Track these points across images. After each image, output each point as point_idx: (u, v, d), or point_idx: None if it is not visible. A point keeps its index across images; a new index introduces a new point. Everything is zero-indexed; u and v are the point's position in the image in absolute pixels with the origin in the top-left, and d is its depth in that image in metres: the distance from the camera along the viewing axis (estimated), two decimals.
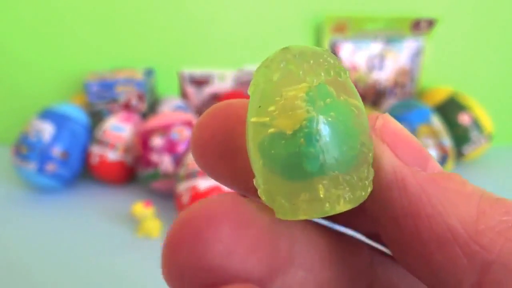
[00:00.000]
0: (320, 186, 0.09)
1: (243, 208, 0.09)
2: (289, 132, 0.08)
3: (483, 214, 0.09)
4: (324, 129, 0.08)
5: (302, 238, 0.11)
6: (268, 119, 0.09)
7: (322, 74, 0.09)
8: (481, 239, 0.08)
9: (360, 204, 0.09)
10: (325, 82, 0.09)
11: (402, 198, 0.09)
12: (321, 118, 0.08)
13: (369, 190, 0.09)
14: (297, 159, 0.08)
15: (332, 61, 0.09)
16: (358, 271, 0.12)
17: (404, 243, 0.09)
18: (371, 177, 0.09)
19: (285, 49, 0.09)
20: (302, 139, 0.08)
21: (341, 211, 0.09)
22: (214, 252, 0.08)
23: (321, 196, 0.09)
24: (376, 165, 0.10)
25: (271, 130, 0.09)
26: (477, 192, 0.09)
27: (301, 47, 0.09)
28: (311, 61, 0.09)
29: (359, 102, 0.10)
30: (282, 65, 0.09)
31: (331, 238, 0.12)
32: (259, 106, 0.09)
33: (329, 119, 0.09)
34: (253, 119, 0.09)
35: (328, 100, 0.09)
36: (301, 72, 0.09)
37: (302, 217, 0.09)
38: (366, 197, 0.09)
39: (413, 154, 0.10)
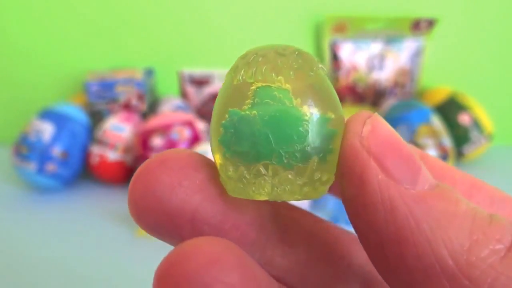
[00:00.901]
0: (248, 170, 0.10)
1: (196, 157, 0.10)
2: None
3: (475, 242, 0.08)
4: (237, 124, 0.10)
5: (286, 217, 0.11)
6: (224, 110, 0.10)
7: (266, 73, 0.10)
8: (472, 272, 0.08)
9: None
10: (269, 85, 0.10)
11: (388, 220, 0.08)
12: (242, 114, 0.10)
13: (318, 193, 0.10)
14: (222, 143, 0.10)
15: (295, 65, 0.10)
16: (348, 264, 0.12)
17: (388, 267, 0.09)
18: (323, 179, 0.10)
19: (244, 54, 0.11)
20: (221, 128, 0.10)
21: (262, 199, 0.10)
22: (162, 184, 0.10)
23: (242, 179, 0.10)
24: (359, 180, 0.09)
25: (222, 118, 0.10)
26: (470, 213, 0.08)
27: (260, 51, 0.10)
28: (264, 66, 0.10)
29: (318, 107, 0.10)
30: (241, 72, 0.10)
31: (327, 229, 0.12)
32: (222, 100, 0.11)
33: (251, 117, 0.10)
34: (216, 107, 0.11)
35: (264, 100, 0.10)
36: (252, 76, 0.10)
37: (237, 195, 0.10)
38: (308, 198, 0.10)
39: (403, 164, 0.09)
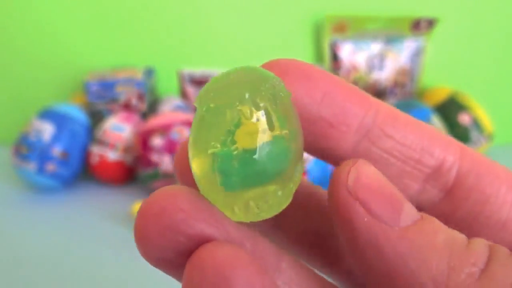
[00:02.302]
0: None
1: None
2: None
3: (453, 270, 0.09)
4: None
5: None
6: None
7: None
8: None
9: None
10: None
11: (377, 259, 0.09)
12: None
13: (267, 214, 0.10)
14: None
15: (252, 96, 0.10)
16: None
17: None
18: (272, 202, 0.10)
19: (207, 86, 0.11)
20: None
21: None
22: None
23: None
24: (349, 225, 0.10)
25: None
26: (448, 242, 0.09)
27: (225, 79, 0.11)
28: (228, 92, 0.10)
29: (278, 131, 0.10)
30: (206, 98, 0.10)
31: None
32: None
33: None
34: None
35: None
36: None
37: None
38: (259, 219, 0.10)
39: (387, 204, 0.10)
